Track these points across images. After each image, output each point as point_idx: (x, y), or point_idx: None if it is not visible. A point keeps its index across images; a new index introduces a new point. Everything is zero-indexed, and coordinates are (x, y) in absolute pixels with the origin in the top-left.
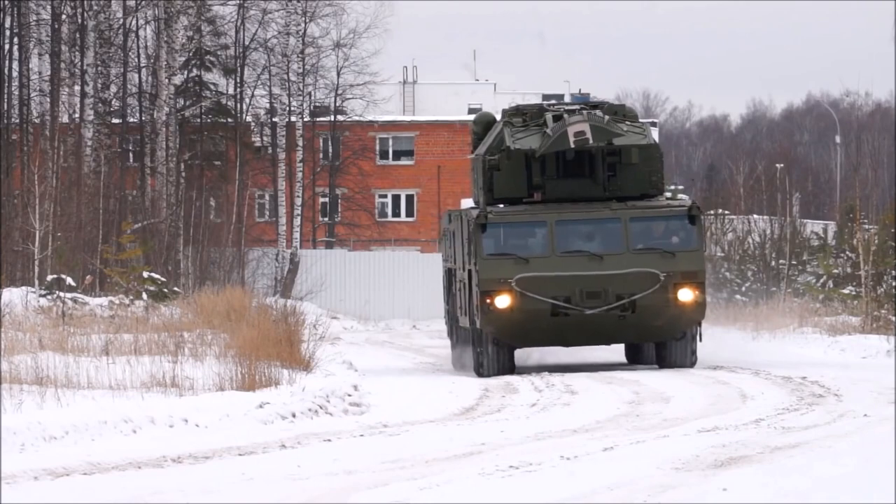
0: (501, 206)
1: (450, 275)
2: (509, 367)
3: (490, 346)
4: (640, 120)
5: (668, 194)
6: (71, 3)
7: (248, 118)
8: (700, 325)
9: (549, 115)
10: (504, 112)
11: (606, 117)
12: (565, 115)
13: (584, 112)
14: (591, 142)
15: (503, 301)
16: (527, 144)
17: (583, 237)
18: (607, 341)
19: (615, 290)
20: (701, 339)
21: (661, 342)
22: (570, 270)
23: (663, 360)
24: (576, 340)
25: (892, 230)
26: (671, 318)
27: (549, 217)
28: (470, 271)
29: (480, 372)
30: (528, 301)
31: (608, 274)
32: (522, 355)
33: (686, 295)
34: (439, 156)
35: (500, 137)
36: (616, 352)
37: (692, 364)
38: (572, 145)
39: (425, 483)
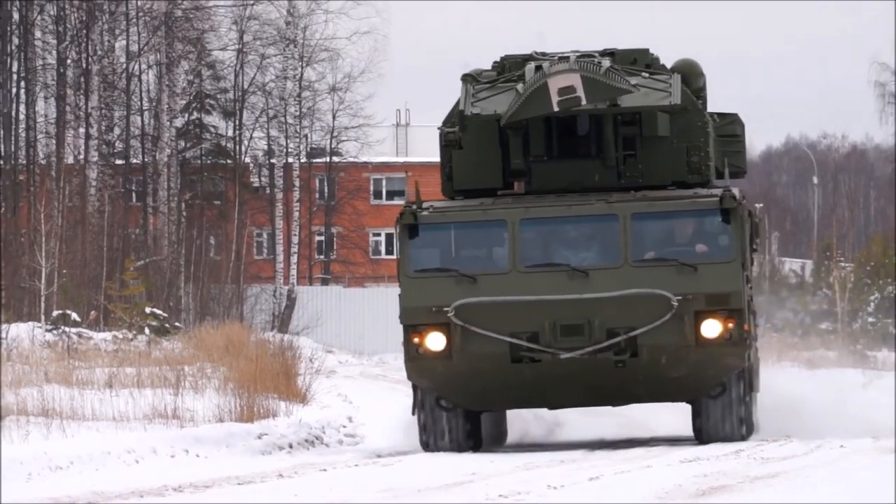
0: (457, 200)
1: None
2: (468, 439)
3: (434, 408)
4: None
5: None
6: (76, 49)
7: (247, 159)
8: (749, 374)
9: (530, 66)
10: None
11: (606, 65)
12: (545, 65)
13: (575, 59)
14: (583, 102)
15: (436, 341)
16: (491, 108)
17: (562, 244)
18: (605, 401)
19: (605, 323)
20: (757, 390)
21: (692, 401)
22: (537, 293)
23: (699, 430)
24: (556, 400)
25: (867, 268)
26: (695, 365)
27: (511, 215)
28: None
29: (424, 441)
30: (473, 341)
31: (594, 298)
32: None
33: (712, 329)
34: (431, 196)
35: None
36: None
37: (743, 437)
38: (556, 108)
39: None
